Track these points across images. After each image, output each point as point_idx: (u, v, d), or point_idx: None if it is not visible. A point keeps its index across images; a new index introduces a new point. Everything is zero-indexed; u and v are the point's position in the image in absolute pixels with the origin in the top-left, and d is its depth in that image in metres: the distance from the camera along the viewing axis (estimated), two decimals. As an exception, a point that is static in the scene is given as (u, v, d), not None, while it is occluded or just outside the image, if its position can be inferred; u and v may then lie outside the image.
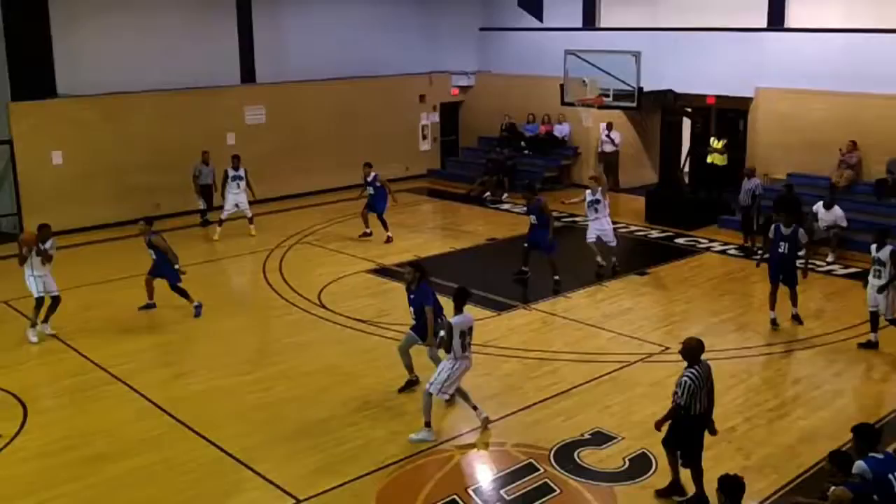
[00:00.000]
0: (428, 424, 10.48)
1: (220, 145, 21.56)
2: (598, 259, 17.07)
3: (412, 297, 11.64)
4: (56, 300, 13.87)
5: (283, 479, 9.60)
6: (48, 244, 13.67)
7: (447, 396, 10.75)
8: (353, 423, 10.94)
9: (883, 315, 13.03)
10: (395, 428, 10.79)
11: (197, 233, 20.45)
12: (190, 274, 15.45)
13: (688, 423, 8.84)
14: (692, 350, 8.90)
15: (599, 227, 16.87)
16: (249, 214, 19.93)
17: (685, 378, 8.71)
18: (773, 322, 14.13)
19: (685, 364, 8.87)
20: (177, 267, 14.77)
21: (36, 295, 13.58)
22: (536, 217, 16.28)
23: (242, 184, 19.62)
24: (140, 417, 11.22)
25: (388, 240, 19.37)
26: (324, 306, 15.27)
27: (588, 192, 16.94)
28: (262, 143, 22.87)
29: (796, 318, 14.30)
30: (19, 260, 13.60)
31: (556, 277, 16.20)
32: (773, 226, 14.34)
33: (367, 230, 19.77)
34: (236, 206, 19.65)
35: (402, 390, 11.80)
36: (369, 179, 19.65)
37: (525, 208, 17.21)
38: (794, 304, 14.32)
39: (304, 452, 10.21)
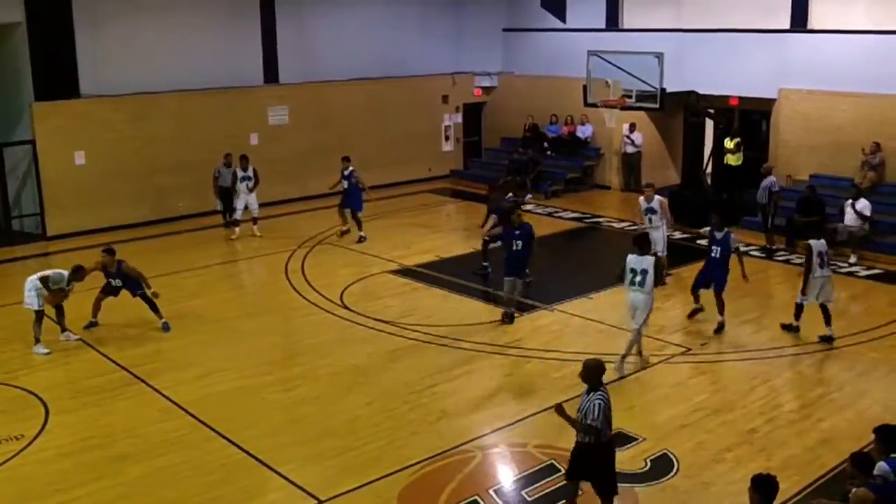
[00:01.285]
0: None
1: (243, 145, 21.69)
2: None
3: (517, 232, 14.11)
4: (60, 307, 13.82)
5: (305, 479, 9.68)
6: (71, 286, 13.58)
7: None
8: (375, 423, 11.01)
9: None
10: (417, 429, 10.86)
11: (218, 234, 20.57)
12: (212, 274, 15.56)
13: (604, 451, 8.32)
14: (591, 371, 8.37)
15: (653, 237, 15.98)
16: (256, 215, 20.01)
17: (597, 402, 8.12)
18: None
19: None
20: (150, 291, 14.27)
21: (36, 308, 13.31)
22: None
23: (251, 184, 19.68)
24: (163, 418, 11.31)
25: (361, 239, 19.45)
26: (346, 307, 15.35)
27: (642, 199, 16.59)
28: (286, 144, 23.02)
29: (720, 328, 13.95)
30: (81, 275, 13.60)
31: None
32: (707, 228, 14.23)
33: (346, 227, 19.89)
34: (246, 206, 19.75)
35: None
36: (346, 174, 19.71)
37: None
38: (721, 312, 14.01)
39: (327, 453, 10.28)
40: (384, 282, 16.92)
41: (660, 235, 16.28)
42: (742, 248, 14.61)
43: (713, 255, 14.01)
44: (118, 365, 12.97)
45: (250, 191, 19.74)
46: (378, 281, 16.96)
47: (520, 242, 14.18)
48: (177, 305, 15.48)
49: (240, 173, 19.68)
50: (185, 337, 14.20)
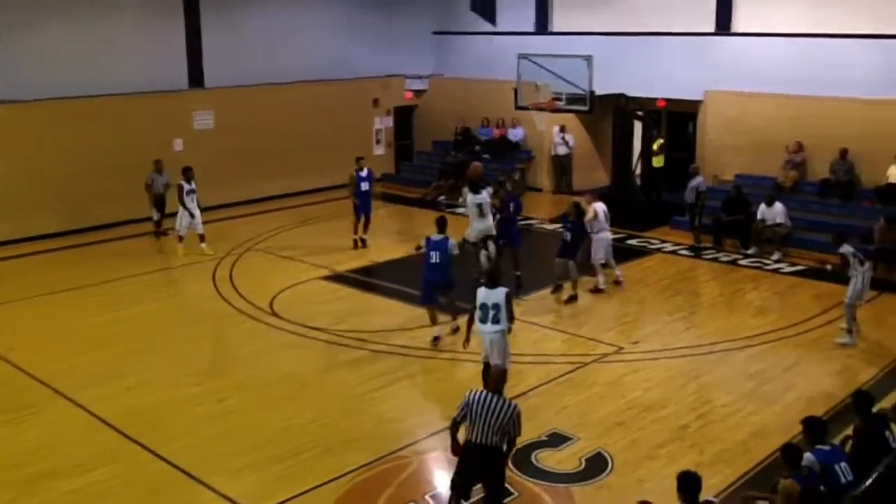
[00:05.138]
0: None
1: (167, 151, 21.35)
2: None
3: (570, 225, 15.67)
4: None
5: (238, 491, 9.52)
6: None
7: None
8: (309, 432, 10.89)
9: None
10: (354, 435, 10.77)
11: (144, 242, 20.14)
12: (138, 284, 15.20)
13: (465, 449, 8.27)
14: (491, 376, 8.58)
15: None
16: (201, 231, 18.87)
17: (517, 411, 8.15)
18: (435, 339, 13.72)
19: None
20: None
21: None
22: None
23: (196, 197, 18.70)
24: (88, 433, 10.99)
25: (362, 243, 19.32)
26: (277, 315, 15.16)
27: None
28: (211, 149, 22.60)
29: (436, 340, 13.67)
30: None
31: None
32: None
33: (364, 235, 19.39)
34: (192, 220, 18.71)
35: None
36: (364, 174, 19.16)
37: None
38: (454, 317, 13.89)
39: (260, 464, 10.13)
40: (316, 288, 16.77)
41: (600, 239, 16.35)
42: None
43: (432, 260, 13.53)
44: (39, 381, 12.50)
45: (199, 206, 18.71)
46: (309, 287, 16.79)
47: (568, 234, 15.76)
48: (102, 316, 15.19)
49: (185, 186, 18.49)
50: (110, 349, 13.80)
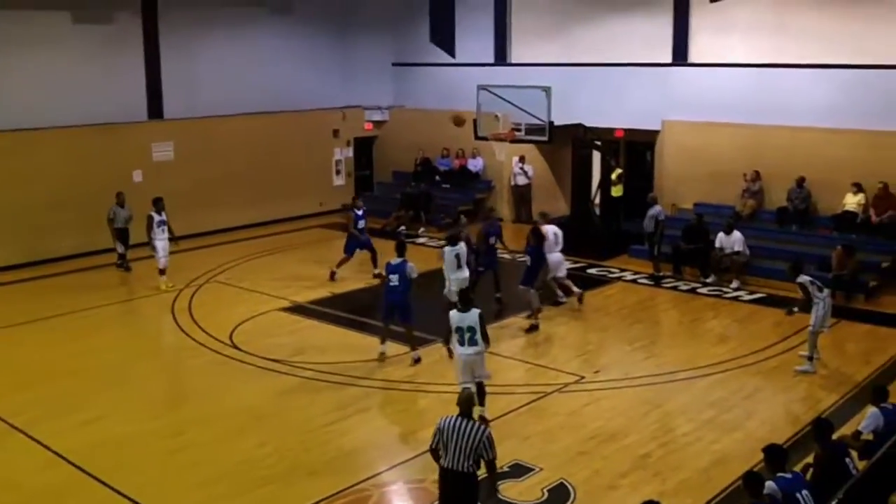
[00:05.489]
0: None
1: (126, 183, 21.13)
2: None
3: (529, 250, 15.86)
4: None
5: (196, 525, 9.34)
6: None
7: None
8: (269, 465, 10.73)
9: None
10: (313, 469, 10.64)
11: (102, 274, 19.83)
12: (96, 317, 15.01)
13: (441, 474, 8.35)
14: (459, 401, 8.58)
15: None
16: (165, 265, 18.48)
17: (487, 434, 8.21)
18: (381, 354, 14.10)
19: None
20: None
21: None
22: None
23: (166, 230, 18.29)
24: (45, 468, 10.76)
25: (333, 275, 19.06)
26: (236, 347, 14.98)
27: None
28: (171, 181, 22.38)
29: (417, 362, 13.98)
30: None
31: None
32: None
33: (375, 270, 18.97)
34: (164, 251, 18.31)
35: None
36: (360, 213, 19.22)
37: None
38: (412, 348, 14.10)
39: (219, 498, 9.97)
40: (275, 320, 16.60)
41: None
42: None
43: (392, 283, 13.91)
44: (-7, 414, 12.28)
45: (172, 236, 18.39)
46: (269, 319, 16.63)
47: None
48: (59, 349, 14.94)
49: (156, 217, 18.18)
50: (67, 382, 13.57)
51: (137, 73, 22.89)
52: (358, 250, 19.20)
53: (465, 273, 15.37)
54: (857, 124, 18.82)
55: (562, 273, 17.01)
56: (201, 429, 11.86)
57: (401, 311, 14.08)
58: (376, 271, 18.71)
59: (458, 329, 11.26)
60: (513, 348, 14.86)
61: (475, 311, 11.33)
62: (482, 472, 8.42)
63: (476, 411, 11.13)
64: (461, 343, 11.27)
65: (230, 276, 19.72)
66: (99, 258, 20.47)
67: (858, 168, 18.76)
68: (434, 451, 8.38)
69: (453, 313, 11.38)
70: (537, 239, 16.06)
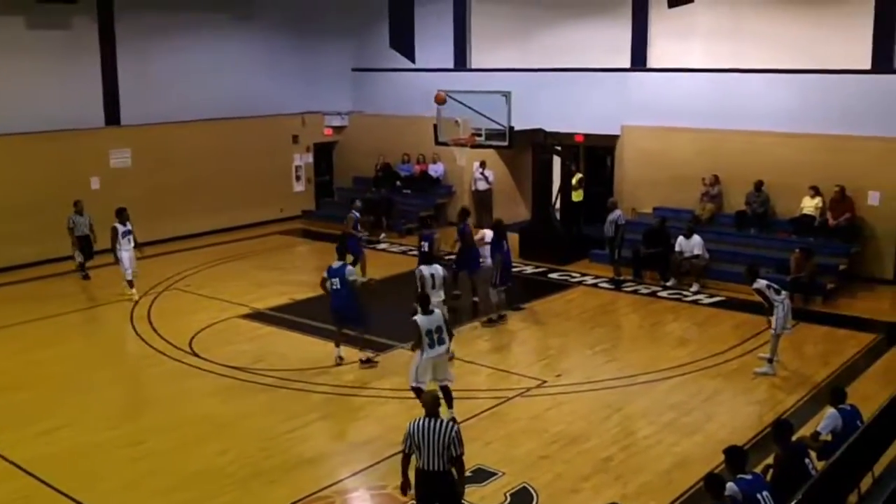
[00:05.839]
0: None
1: (84, 190, 20.86)
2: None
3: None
4: None
5: (155, 535, 9.22)
6: None
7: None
8: (230, 473, 10.63)
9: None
10: (274, 477, 10.54)
11: (59, 282, 19.52)
12: (54, 326, 14.83)
13: (418, 477, 8.35)
14: (424, 402, 8.66)
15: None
16: (132, 277, 18.18)
17: (455, 429, 8.28)
18: (338, 358, 14.16)
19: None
20: None
21: None
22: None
23: (132, 239, 17.94)
24: (1, 480, 10.56)
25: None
26: (196, 354, 14.83)
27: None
28: (129, 188, 22.11)
29: (364, 363, 14.11)
30: None
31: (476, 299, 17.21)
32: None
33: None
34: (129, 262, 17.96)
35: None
36: (359, 215, 19.44)
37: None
38: (361, 349, 14.26)
39: (179, 507, 9.84)
40: (235, 327, 16.45)
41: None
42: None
43: (334, 287, 14.03)
44: (-53, 426, 12.05)
45: (136, 247, 18.07)
46: (229, 326, 16.47)
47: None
48: (15, 359, 14.69)
49: (120, 228, 17.81)
50: (24, 392, 13.35)
51: (94, 79, 22.61)
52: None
53: (441, 295, 14.24)
54: (815, 129, 19.07)
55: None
56: (161, 437, 11.71)
57: (346, 315, 14.18)
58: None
59: (428, 332, 11.43)
60: (474, 353, 14.84)
61: (437, 312, 11.71)
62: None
63: (445, 414, 11.23)
64: (431, 345, 11.43)
65: (189, 283, 19.53)
66: (56, 266, 20.17)
67: (816, 172, 19.01)
68: (407, 456, 8.37)
69: (420, 318, 11.45)
70: (499, 235, 16.48)
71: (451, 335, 11.79)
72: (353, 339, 14.33)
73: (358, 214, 19.45)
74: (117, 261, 18.08)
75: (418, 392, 11.40)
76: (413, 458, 8.32)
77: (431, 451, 8.16)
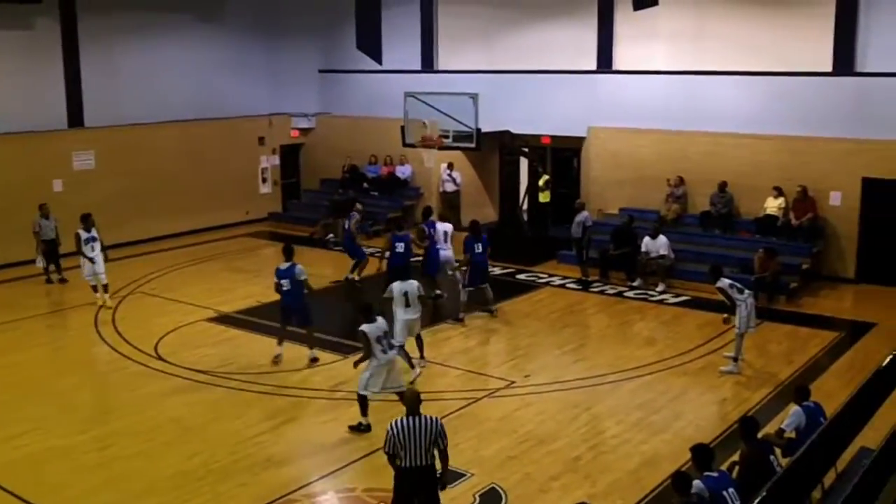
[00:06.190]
0: None
1: (47, 192, 20.63)
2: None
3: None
4: None
5: (123, 540, 9.15)
6: None
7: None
8: (199, 477, 10.57)
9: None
10: (243, 480, 10.49)
11: (20, 287, 19.27)
12: (17, 330, 14.66)
13: (403, 477, 8.44)
14: (406, 400, 8.73)
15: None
16: (105, 281, 17.70)
17: (388, 426, 8.41)
18: (278, 357, 14.35)
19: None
20: None
21: None
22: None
23: (98, 246, 17.54)
24: (-37, 486, 10.45)
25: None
26: (162, 358, 14.72)
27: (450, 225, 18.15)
28: (93, 190, 21.89)
29: (314, 361, 14.29)
30: None
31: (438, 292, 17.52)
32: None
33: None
34: (93, 267, 17.53)
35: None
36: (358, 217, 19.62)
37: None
38: (310, 347, 14.42)
39: (147, 511, 9.78)
40: (201, 330, 16.34)
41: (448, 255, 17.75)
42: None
43: (284, 288, 14.21)
44: None
45: (105, 255, 17.65)
46: (195, 329, 16.36)
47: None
48: (-24, 364, 14.50)
49: (83, 234, 17.38)
50: (-14, 398, 13.19)
51: (57, 80, 22.36)
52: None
53: (415, 314, 13.71)
54: (777, 130, 19.30)
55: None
56: (128, 442, 11.61)
57: (297, 314, 14.33)
58: (352, 275, 19.15)
59: (378, 339, 11.45)
60: (444, 355, 14.86)
61: (381, 319, 11.72)
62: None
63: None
64: (383, 351, 11.48)
65: (155, 286, 19.37)
66: (19, 270, 19.90)
67: (778, 173, 19.25)
68: (391, 457, 8.42)
69: (366, 327, 11.45)
70: (475, 231, 16.92)
71: (421, 344, 12.01)
72: (301, 338, 14.48)
73: (358, 215, 19.73)
74: (82, 268, 17.73)
75: (363, 400, 11.60)
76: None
77: (418, 448, 8.29)
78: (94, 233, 17.65)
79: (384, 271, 16.94)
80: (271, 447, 11.40)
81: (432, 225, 17.86)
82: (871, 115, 18.34)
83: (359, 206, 20.30)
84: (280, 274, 14.15)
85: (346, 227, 19.65)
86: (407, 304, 13.49)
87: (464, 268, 16.90)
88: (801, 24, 19.66)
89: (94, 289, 17.84)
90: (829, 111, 18.87)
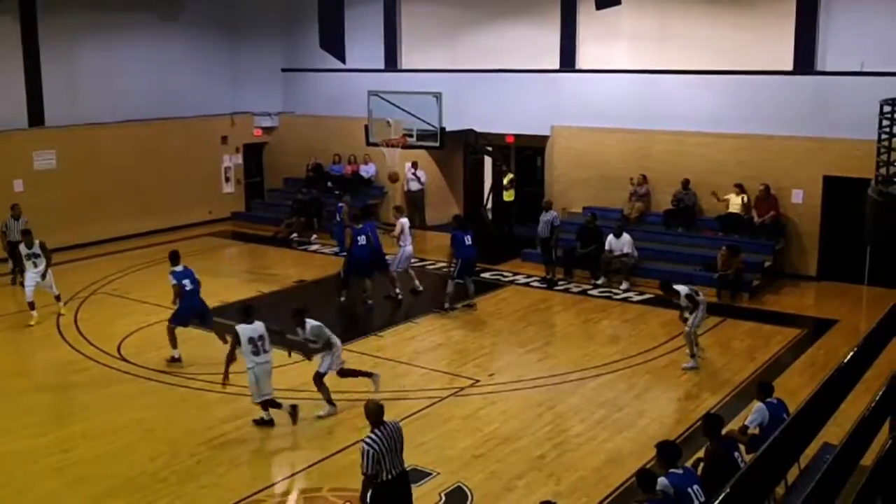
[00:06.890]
0: None
1: (7, 193, 20.34)
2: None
3: None
4: None
5: (85, 544, 9.04)
6: None
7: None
8: (162, 479, 10.48)
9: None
10: (206, 481, 10.42)
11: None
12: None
13: (386, 490, 8.35)
14: (370, 413, 8.53)
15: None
16: (56, 292, 17.21)
17: (364, 446, 8.22)
18: (172, 359, 14.35)
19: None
20: None
21: None
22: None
23: (41, 262, 16.61)
24: (-79, 491, 10.29)
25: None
26: (125, 359, 14.58)
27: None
28: (54, 189, 21.69)
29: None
30: None
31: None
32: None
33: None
34: (36, 283, 16.67)
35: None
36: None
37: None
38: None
39: (109, 514, 9.66)
40: (164, 331, 16.08)
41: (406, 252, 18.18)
42: None
43: (187, 288, 14.61)
44: None
45: (42, 275, 16.66)
46: (158, 330, 16.10)
47: None
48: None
49: (24, 250, 16.69)
50: (-56, 401, 12.97)
51: (17, 79, 22.06)
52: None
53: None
54: (739, 129, 19.49)
55: (405, 266, 18.29)
56: (91, 444, 11.49)
57: (201, 314, 14.74)
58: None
59: (251, 339, 11.56)
60: (407, 354, 14.86)
61: (261, 323, 11.80)
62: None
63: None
64: (255, 353, 11.55)
65: (117, 287, 19.17)
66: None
67: (741, 171, 19.43)
68: (374, 476, 8.23)
69: (239, 327, 11.69)
70: (461, 225, 17.52)
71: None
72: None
73: (346, 207, 20.15)
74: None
75: (265, 405, 11.72)
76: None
77: (395, 456, 8.37)
78: (36, 249, 16.68)
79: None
80: (235, 448, 11.33)
81: (370, 226, 17.82)
82: (832, 113, 18.53)
83: (347, 197, 20.85)
84: (179, 275, 14.55)
85: (338, 219, 20.29)
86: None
87: (453, 261, 17.09)
88: (763, 23, 19.86)
89: (31, 305, 16.76)
90: (790, 110, 19.09)
